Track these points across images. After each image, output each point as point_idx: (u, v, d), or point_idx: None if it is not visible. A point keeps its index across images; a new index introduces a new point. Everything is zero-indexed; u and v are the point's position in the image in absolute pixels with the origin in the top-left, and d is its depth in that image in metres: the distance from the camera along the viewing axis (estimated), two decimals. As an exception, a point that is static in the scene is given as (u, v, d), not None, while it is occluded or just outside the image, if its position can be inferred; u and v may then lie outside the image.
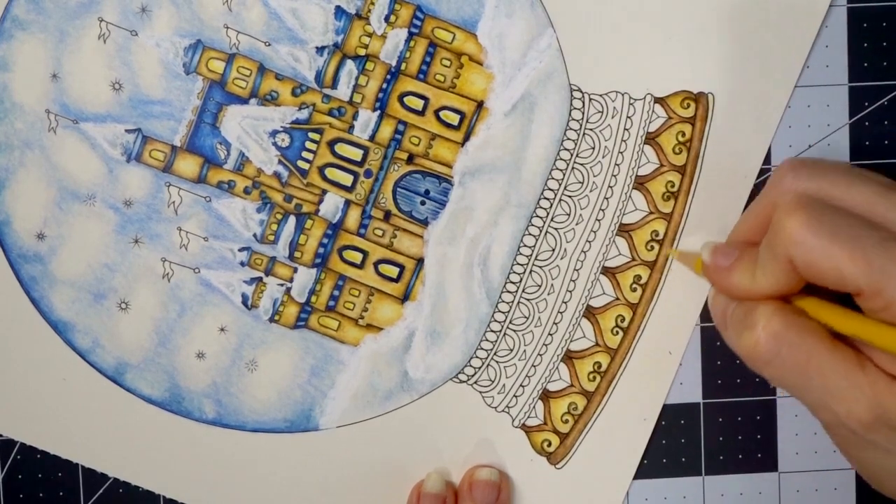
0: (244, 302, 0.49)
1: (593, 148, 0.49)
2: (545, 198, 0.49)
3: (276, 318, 0.49)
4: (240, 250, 0.49)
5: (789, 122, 0.50)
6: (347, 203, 0.49)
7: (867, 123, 0.50)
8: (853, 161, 0.50)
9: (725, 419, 0.51)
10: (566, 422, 0.50)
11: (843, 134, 0.50)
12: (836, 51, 0.50)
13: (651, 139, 0.49)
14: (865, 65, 0.50)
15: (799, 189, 0.40)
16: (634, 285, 0.50)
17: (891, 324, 0.37)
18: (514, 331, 0.50)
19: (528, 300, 0.50)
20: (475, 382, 0.50)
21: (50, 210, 0.49)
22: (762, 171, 0.50)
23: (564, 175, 0.49)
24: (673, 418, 0.50)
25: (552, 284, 0.50)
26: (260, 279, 0.49)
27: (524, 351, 0.50)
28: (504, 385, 0.50)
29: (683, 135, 0.49)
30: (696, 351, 0.50)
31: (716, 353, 0.50)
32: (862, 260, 0.36)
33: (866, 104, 0.50)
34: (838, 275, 0.37)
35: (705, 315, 0.50)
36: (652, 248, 0.49)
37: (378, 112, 0.49)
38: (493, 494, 0.49)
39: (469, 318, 0.50)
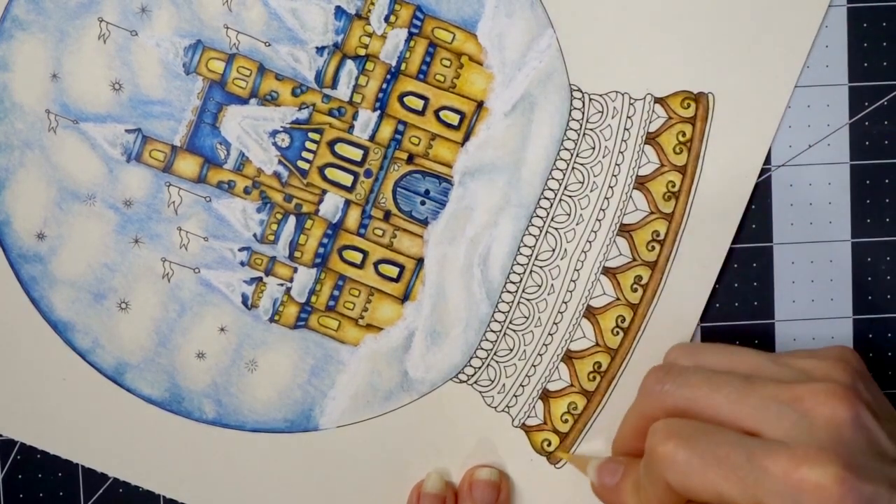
0: (244, 302, 0.49)
1: (593, 148, 0.49)
2: (545, 198, 0.49)
3: (276, 318, 0.49)
4: (240, 250, 0.49)
5: (789, 122, 0.50)
6: (347, 203, 0.49)
7: (867, 123, 0.50)
8: (853, 161, 0.50)
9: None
10: (566, 421, 0.50)
11: (843, 134, 0.50)
12: (836, 51, 0.50)
13: (651, 139, 0.49)
14: (865, 65, 0.50)
15: (666, 404, 0.42)
16: (635, 286, 0.50)
17: None
18: (514, 331, 0.50)
19: (528, 300, 0.50)
20: (475, 382, 0.50)
21: (50, 210, 0.49)
22: (762, 171, 0.50)
23: (565, 175, 0.49)
24: (673, 418, 0.50)
25: (552, 284, 0.50)
26: (260, 279, 0.49)
27: (524, 351, 0.50)
28: (504, 385, 0.50)
29: (684, 135, 0.49)
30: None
31: (716, 354, 0.50)
32: (736, 479, 0.38)
33: (866, 104, 0.50)
34: (716, 495, 0.38)
35: (706, 316, 0.50)
36: (653, 248, 0.49)
37: (378, 112, 0.49)
38: (493, 494, 0.49)
39: (469, 318, 0.50)
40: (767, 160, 0.50)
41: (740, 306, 0.50)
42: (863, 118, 0.50)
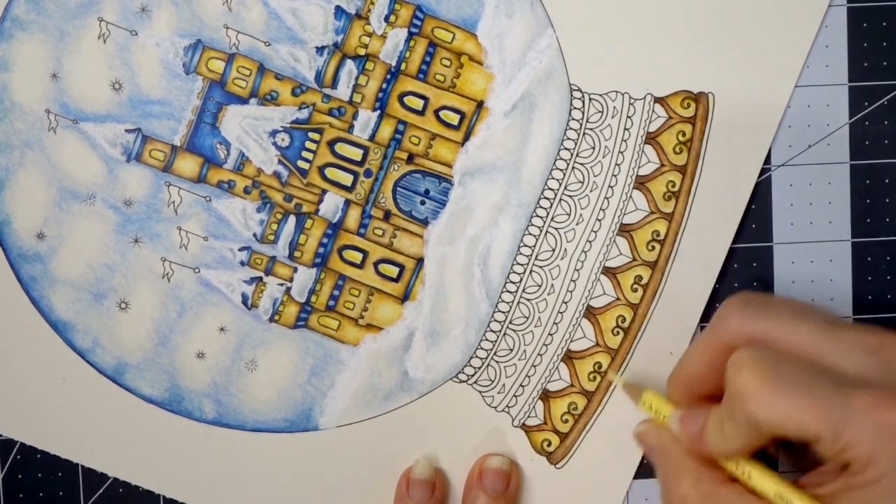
0: (244, 302, 0.49)
1: (593, 148, 0.49)
2: (545, 197, 0.49)
3: (276, 317, 0.49)
4: (240, 250, 0.49)
5: (789, 122, 0.50)
6: (347, 203, 0.49)
7: (867, 123, 0.50)
8: (853, 161, 0.50)
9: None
10: (566, 421, 0.50)
11: (843, 134, 0.50)
12: (836, 50, 0.50)
13: (651, 139, 0.49)
14: (865, 64, 0.50)
15: (744, 332, 0.41)
16: (635, 285, 0.50)
17: (848, 465, 0.38)
18: (514, 331, 0.50)
19: (528, 300, 0.50)
20: (475, 382, 0.50)
21: (50, 210, 0.49)
22: (762, 171, 0.50)
23: (565, 175, 0.49)
24: (673, 418, 0.50)
25: (552, 284, 0.49)
26: (260, 279, 0.49)
27: (524, 351, 0.50)
28: (504, 385, 0.50)
29: (684, 134, 0.49)
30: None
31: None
32: (818, 409, 0.38)
33: (866, 104, 0.50)
34: (798, 426, 0.38)
35: (706, 316, 0.50)
36: (653, 248, 0.49)
37: (378, 112, 0.49)
38: (504, 483, 0.49)
39: (469, 317, 0.50)
40: (767, 160, 0.50)
41: (740, 306, 0.50)
42: (863, 118, 0.50)
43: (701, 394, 0.44)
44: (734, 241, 0.50)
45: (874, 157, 0.50)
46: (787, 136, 0.50)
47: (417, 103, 0.49)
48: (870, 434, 0.37)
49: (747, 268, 0.50)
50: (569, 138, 0.49)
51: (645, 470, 0.50)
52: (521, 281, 0.49)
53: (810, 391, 0.38)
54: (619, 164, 0.49)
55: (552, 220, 0.49)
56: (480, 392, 0.50)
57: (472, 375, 0.50)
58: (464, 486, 0.50)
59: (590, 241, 0.49)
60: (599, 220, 0.49)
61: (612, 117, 0.49)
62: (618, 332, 0.50)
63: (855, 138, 0.50)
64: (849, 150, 0.50)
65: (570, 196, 0.49)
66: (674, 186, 0.49)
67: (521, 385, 0.50)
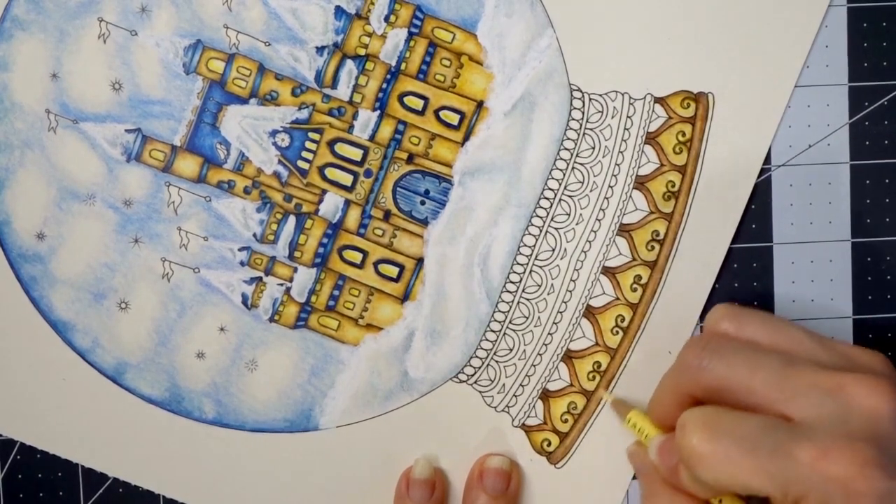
0: (244, 302, 0.49)
1: (593, 148, 0.49)
2: (545, 197, 0.49)
3: (276, 317, 0.49)
4: (240, 250, 0.49)
5: (789, 122, 0.50)
6: (347, 203, 0.49)
7: (867, 123, 0.50)
8: (853, 161, 0.50)
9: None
10: (566, 421, 0.50)
11: (843, 134, 0.50)
12: (836, 51, 0.50)
13: (651, 139, 0.49)
14: (865, 65, 0.50)
15: (703, 382, 0.41)
16: (635, 285, 0.50)
17: None
18: (514, 330, 0.50)
19: (527, 300, 0.50)
20: (475, 382, 0.50)
21: (50, 210, 0.49)
22: (762, 171, 0.50)
23: (564, 175, 0.49)
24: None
25: (552, 284, 0.50)
26: (260, 279, 0.49)
27: (524, 350, 0.50)
28: (504, 385, 0.50)
29: (684, 134, 0.49)
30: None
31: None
32: (762, 470, 0.37)
33: (866, 104, 0.50)
34: (744, 487, 0.38)
35: (706, 315, 0.50)
36: (652, 247, 0.49)
37: (378, 112, 0.49)
38: (504, 483, 0.49)
39: (469, 317, 0.50)
40: (767, 160, 0.50)
41: (740, 306, 0.50)
42: (863, 118, 0.50)
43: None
44: (734, 241, 0.50)
45: (874, 157, 0.50)
46: (787, 136, 0.50)
47: (417, 103, 0.49)
48: (817, 487, 0.37)
49: (747, 268, 0.50)
50: (569, 138, 0.49)
51: (645, 470, 0.50)
52: (520, 281, 0.50)
53: (753, 450, 0.38)
54: (618, 164, 0.49)
55: (552, 219, 0.49)
56: (480, 392, 0.50)
57: (472, 375, 0.50)
58: (464, 486, 0.50)
59: (589, 241, 0.49)
60: (599, 220, 0.49)
61: (612, 117, 0.49)
62: (617, 332, 0.50)
63: (855, 138, 0.50)
64: (849, 150, 0.50)
65: (569, 196, 0.49)
66: (673, 186, 0.49)
67: (520, 385, 0.50)
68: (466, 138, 0.49)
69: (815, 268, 0.50)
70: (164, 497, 0.50)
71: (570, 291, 0.50)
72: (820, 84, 0.50)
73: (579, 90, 0.49)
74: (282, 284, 0.49)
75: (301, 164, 0.49)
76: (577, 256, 0.49)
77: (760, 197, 0.50)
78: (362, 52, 0.49)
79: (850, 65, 0.50)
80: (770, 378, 0.40)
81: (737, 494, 0.41)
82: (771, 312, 0.49)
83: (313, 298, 0.49)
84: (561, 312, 0.50)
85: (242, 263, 0.49)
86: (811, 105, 0.50)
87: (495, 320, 0.50)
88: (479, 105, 0.49)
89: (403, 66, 0.49)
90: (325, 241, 0.49)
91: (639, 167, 0.49)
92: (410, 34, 0.49)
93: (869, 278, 0.51)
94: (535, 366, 0.50)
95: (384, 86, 0.49)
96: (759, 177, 0.50)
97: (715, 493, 0.41)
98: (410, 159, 0.49)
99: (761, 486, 0.38)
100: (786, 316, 0.50)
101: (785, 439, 0.38)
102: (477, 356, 0.50)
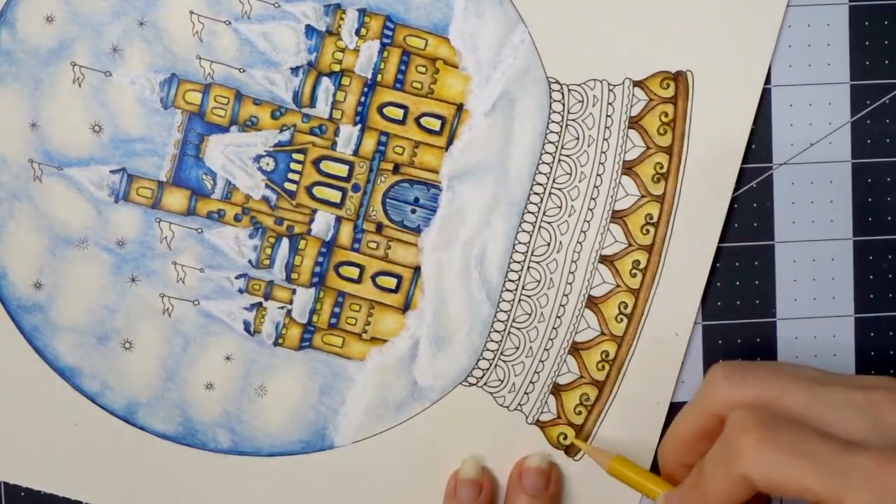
0: (246, 328, 0.49)
1: (578, 138, 0.49)
2: (535, 193, 0.49)
3: (280, 341, 0.49)
4: (237, 278, 0.49)
5: (791, 121, 0.49)
6: (339, 219, 0.49)
7: (869, 122, 0.50)
8: (855, 159, 0.50)
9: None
10: (579, 413, 0.50)
11: (844, 132, 0.50)
12: (837, 49, 0.49)
13: (635, 123, 0.49)
14: (867, 63, 0.50)
15: (734, 399, 0.41)
16: (634, 270, 0.49)
17: None
18: (518, 328, 0.50)
19: (528, 297, 0.49)
20: (485, 384, 0.50)
21: (44, 258, 0.49)
22: (764, 169, 0.49)
23: (551, 168, 0.49)
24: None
25: (551, 278, 0.49)
26: (260, 304, 0.49)
27: (530, 347, 0.50)
28: (514, 383, 0.50)
29: (666, 115, 0.49)
30: (698, 353, 0.50)
31: (717, 353, 0.50)
32: (821, 472, 0.37)
33: (868, 102, 0.50)
34: (800, 488, 0.38)
35: (707, 314, 0.50)
36: (647, 231, 0.49)
37: (359, 126, 0.49)
38: (544, 482, 0.49)
39: (472, 320, 0.50)
40: (769, 158, 0.49)
41: (742, 304, 0.50)
42: (864, 116, 0.50)
43: (692, 463, 0.43)
44: (735, 240, 0.50)
45: (876, 155, 0.50)
46: (788, 135, 0.49)
47: (397, 113, 0.49)
48: (873, 494, 0.37)
49: (749, 266, 0.50)
50: (552, 131, 0.49)
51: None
52: (519, 278, 0.49)
53: (813, 453, 0.38)
54: (604, 152, 0.49)
55: (544, 214, 0.49)
56: (491, 393, 0.50)
57: (482, 377, 0.50)
58: (506, 487, 0.50)
59: (584, 232, 0.49)
60: (591, 210, 0.49)
61: (593, 106, 0.49)
62: (621, 319, 0.50)
63: (857, 137, 0.50)
64: (850, 148, 0.50)
65: (559, 189, 0.49)
66: (662, 168, 0.49)
67: (531, 382, 0.50)
68: (450, 143, 0.49)
69: (817, 266, 0.50)
70: (188, 530, 0.50)
71: (570, 284, 0.49)
72: (822, 82, 0.49)
73: (557, 82, 0.49)
74: (282, 307, 0.49)
75: (288, 185, 0.49)
76: (574, 248, 0.49)
77: (762, 195, 0.50)
78: (337, 68, 0.49)
79: (851, 63, 0.50)
80: (804, 394, 0.40)
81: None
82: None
83: (315, 318, 0.49)
84: (563, 305, 0.50)
85: (241, 291, 0.49)
86: (813, 103, 0.49)
87: (498, 320, 0.50)
88: (459, 108, 0.49)
89: (379, 77, 0.49)
90: (320, 259, 0.49)
91: (625, 152, 0.49)
92: (383, 45, 0.49)
93: (871, 277, 0.50)
94: (543, 361, 0.50)
95: (362, 99, 0.49)
96: (760, 176, 0.49)
97: (743, 498, 0.40)
98: (397, 169, 0.49)
99: (817, 489, 0.37)
100: (787, 315, 0.50)
101: (842, 446, 0.38)
102: (484, 358, 0.50)
